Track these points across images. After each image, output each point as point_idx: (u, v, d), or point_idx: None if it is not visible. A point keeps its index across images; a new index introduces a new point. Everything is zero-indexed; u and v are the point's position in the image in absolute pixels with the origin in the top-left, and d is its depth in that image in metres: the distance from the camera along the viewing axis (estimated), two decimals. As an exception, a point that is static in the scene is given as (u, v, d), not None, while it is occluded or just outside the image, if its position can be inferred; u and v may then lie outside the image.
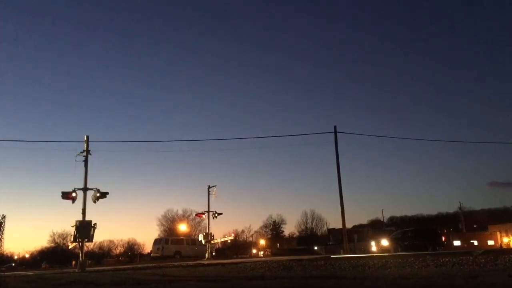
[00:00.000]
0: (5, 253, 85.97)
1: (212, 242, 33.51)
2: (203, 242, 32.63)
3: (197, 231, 72.36)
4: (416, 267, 8.74)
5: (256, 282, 7.26)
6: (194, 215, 54.52)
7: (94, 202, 19.34)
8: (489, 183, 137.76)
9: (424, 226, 55.99)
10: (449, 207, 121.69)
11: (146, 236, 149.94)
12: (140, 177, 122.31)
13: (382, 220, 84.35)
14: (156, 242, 41.13)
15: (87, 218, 18.94)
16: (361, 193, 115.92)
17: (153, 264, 21.46)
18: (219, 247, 67.25)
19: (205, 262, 19.48)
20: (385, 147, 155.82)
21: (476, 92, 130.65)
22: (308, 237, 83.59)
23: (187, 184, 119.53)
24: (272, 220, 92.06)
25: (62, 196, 18.91)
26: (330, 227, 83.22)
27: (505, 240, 60.68)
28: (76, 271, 17.35)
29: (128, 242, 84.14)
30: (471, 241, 60.76)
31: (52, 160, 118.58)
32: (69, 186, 19.30)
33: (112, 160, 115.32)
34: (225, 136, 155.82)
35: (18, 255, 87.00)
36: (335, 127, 30.26)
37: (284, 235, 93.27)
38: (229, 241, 75.34)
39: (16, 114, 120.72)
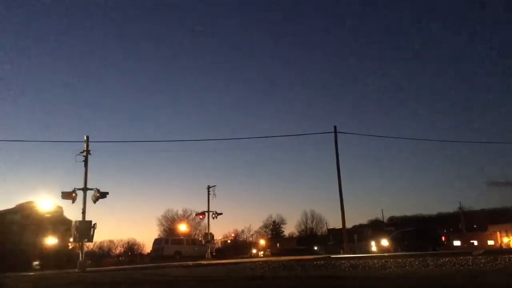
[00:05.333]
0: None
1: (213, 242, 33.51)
2: (203, 242, 32.60)
3: (197, 231, 72.28)
4: (416, 267, 8.74)
5: (256, 282, 7.27)
6: (194, 215, 54.55)
7: (94, 202, 19.33)
8: (489, 183, 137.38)
9: (424, 226, 55.95)
10: (449, 207, 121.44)
11: (146, 236, 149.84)
12: (140, 177, 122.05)
13: (382, 220, 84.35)
14: (156, 242, 41.12)
15: (87, 218, 18.93)
16: (361, 193, 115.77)
17: (153, 264, 21.46)
18: (219, 247, 67.18)
19: (205, 262, 19.48)
20: (385, 147, 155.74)
21: (476, 92, 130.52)
22: (308, 237, 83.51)
23: (187, 184, 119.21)
24: (272, 220, 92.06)
25: (62, 196, 18.90)
26: (330, 227, 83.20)
27: (505, 240, 60.67)
28: (76, 271, 17.34)
29: (128, 242, 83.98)
30: (471, 241, 60.71)
31: (52, 160, 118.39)
32: (69, 186, 19.29)
33: (112, 160, 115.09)
34: (225, 136, 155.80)
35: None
36: (335, 127, 30.26)
37: (284, 235, 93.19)
38: (229, 241, 75.43)
39: (16, 113, 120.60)
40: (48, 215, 27.09)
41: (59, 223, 30.58)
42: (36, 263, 24.21)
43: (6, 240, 28.76)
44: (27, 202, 30.08)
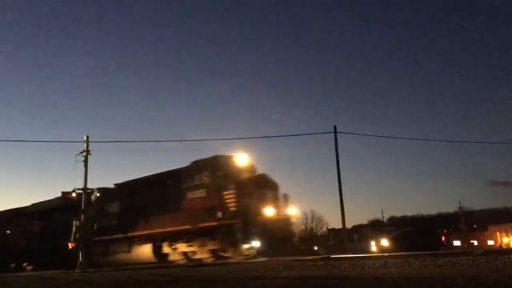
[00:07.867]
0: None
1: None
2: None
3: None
4: (416, 267, 8.74)
5: (257, 282, 7.27)
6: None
7: (94, 202, 19.36)
8: (489, 183, 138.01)
9: (424, 226, 55.99)
10: (449, 207, 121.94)
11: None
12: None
13: (382, 220, 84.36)
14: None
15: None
16: (361, 193, 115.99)
17: (154, 265, 21.46)
18: (219, 247, 67.01)
19: (206, 262, 19.48)
20: (385, 147, 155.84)
21: (476, 92, 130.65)
22: (308, 237, 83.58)
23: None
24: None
25: (62, 196, 18.95)
26: (330, 227, 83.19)
27: (505, 240, 60.64)
28: (77, 271, 17.35)
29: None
30: (471, 241, 60.71)
31: (52, 160, 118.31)
32: (69, 186, 19.30)
33: (112, 160, 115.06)
34: (225, 136, 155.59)
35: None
36: (335, 127, 30.16)
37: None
38: (229, 241, 75.11)
39: (16, 113, 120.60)
40: (248, 174, 18.18)
41: (263, 184, 18.47)
42: (250, 245, 15.79)
43: (193, 216, 17.95)
44: (219, 156, 19.06)
